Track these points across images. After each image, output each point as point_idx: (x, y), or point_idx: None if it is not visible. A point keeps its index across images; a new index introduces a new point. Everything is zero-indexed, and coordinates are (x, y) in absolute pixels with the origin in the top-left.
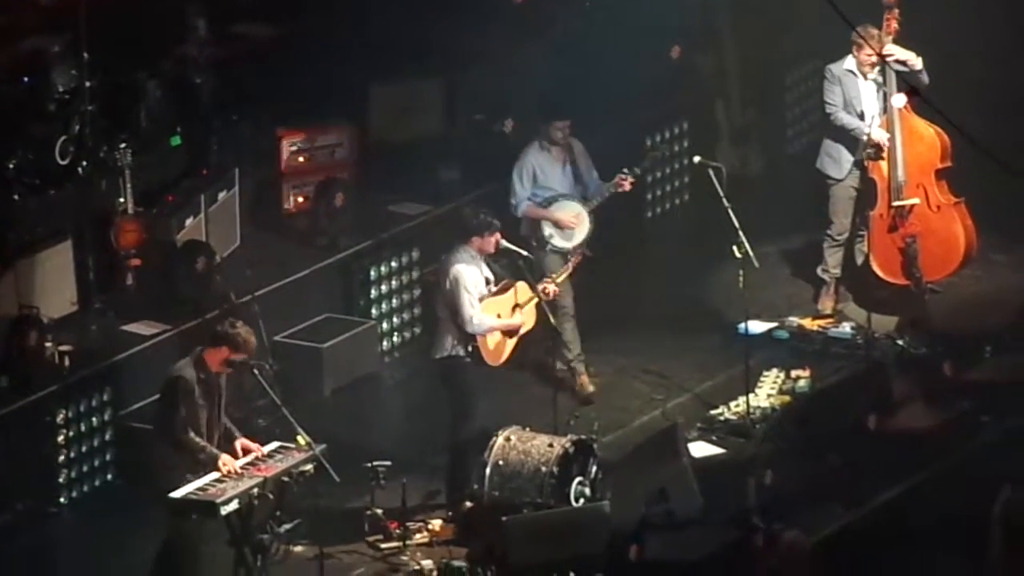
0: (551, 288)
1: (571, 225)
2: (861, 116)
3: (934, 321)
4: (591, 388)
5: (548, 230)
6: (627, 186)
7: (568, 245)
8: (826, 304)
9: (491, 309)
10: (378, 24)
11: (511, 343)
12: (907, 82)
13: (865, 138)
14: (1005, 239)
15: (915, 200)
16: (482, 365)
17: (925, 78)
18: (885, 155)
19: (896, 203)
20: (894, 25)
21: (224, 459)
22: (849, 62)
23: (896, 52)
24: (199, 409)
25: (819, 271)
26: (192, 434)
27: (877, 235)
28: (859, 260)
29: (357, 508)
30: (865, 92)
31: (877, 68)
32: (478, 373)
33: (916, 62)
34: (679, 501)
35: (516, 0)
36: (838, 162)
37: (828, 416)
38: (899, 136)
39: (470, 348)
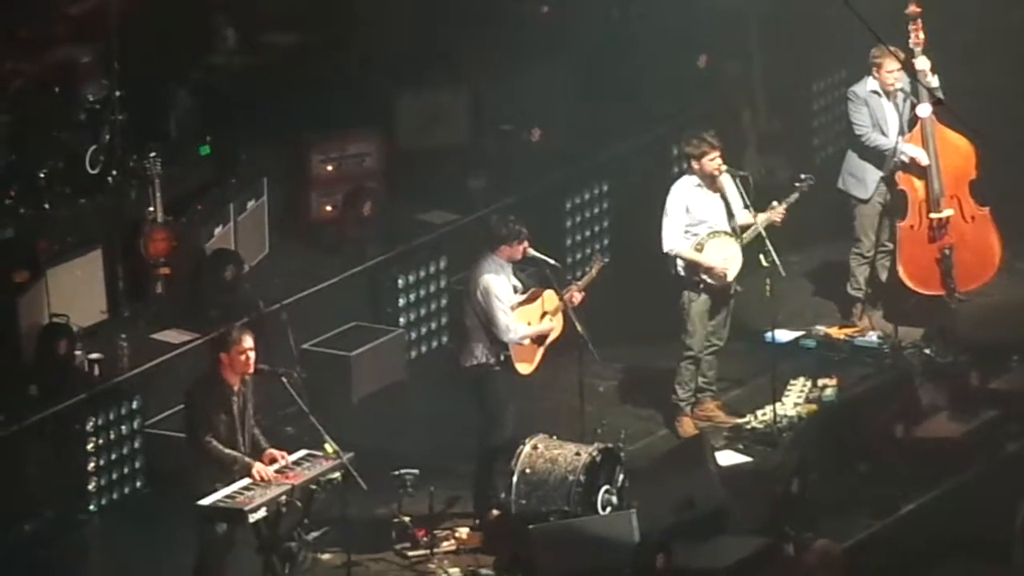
0: (577, 295)
1: (722, 274)
2: (886, 136)
3: (961, 330)
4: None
5: (702, 273)
6: (778, 220)
7: (717, 284)
8: (863, 321)
9: (521, 317)
10: (405, 33)
11: (541, 351)
12: (929, 92)
13: (899, 158)
14: None
15: (951, 211)
16: (512, 373)
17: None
18: (919, 170)
19: (934, 215)
20: (920, 35)
21: (258, 467)
22: (871, 83)
23: (925, 65)
24: (220, 423)
25: (850, 289)
26: (220, 446)
27: (908, 246)
28: (883, 276)
29: (385, 516)
30: (890, 112)
31: (902, 82)
32: (508, 381)
33: (934, 78)
34: (705, 507)
35: (543, 9)
36: (863, 182)
37: (855, 425)
38: (933, 147)
39: (502, 357)
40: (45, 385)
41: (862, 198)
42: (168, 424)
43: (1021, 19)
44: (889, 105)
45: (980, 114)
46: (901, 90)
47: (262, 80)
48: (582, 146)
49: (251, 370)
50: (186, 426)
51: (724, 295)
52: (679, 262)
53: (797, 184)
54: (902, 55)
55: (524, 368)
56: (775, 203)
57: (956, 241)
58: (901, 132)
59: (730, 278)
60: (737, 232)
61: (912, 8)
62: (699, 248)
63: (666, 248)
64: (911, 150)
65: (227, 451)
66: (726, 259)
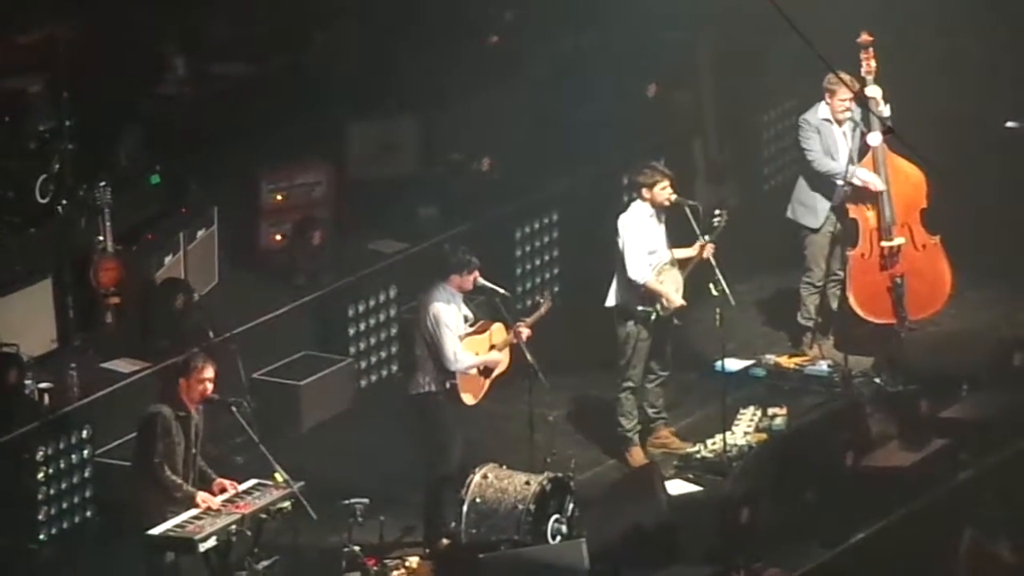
0: (524, 331)
1: (674, 303)
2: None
3: (911, 359)
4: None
5: (656, 303)
6: (707, 256)
7: (663, 312)
8: (813, 350)
9: (469, 347)
10: (356, 63)
11: (487, 383)
12: (880, 120)
13: (851, 182)
14: (978, 276)
15: (902, 240)
16: (457, 403)
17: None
18: (871, 198)
19: (885, 243)
20: (872, 64)
21: (202, 496)
22: (823, 111)
23: (876, 93)
24: (176, 446)
25: (800, 319)
26: (169, 471)
27: (859, 274)
28: (834, 305)
29: (335, 545)
30: (840, 140)
31: (852, 110)
32: (454, 410)
33: (885, 107)
34: (655, 537)
35: (493, 39)
36: (814, 211)
37: (805, 454)
38: (885, 175)
39: (447, 385)
40: None
41: (812, 227)
42: (119, 453)
43: (971, 47)
44: (840, 133)
45: (930, 142)
46: (851, 119)
47: (212, 109)
48: (532, 176)
49: (205, 397)
50: (137, 449)
51: (667, 327)
52: (639, 292)
53: (714, 220)
54: (857, 85)
55: (469, 399)
56: (705, 237)
57: (907, 270)
58: (851, 160)
59: (672, 308)
60: (676, 264)
61: (864, 37)
62: (659, 280)
63: (638, 279)
64: (865, 175)
65: (173, 477)
66: (676, 290)
